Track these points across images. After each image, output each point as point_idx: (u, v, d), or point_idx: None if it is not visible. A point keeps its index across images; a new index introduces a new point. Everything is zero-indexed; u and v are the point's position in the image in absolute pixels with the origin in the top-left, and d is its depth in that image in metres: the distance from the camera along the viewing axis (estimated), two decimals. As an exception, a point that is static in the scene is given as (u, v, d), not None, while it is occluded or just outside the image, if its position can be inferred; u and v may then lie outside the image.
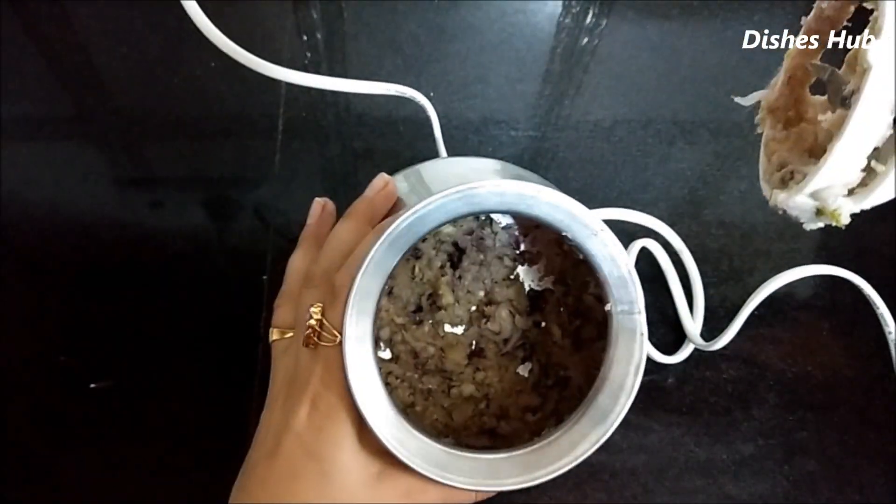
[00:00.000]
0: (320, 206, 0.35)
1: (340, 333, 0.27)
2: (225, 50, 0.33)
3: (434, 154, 0.38)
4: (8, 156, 0.43)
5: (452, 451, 0.28)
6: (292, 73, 0.33)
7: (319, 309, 0.29)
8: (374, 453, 0.28)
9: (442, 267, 0.37)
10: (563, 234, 0.29)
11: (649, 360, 0.40)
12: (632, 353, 0.29)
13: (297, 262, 0.33)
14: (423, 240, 0.36)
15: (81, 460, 0.38)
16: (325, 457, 0.27)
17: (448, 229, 0.36)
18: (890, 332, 0.40)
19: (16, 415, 0.38)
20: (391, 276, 0.36)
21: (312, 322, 0.28)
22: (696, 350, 0.41)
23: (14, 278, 0.41)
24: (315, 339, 0.28)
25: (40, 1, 0.47)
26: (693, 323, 0.41)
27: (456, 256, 0.37)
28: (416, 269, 0.36)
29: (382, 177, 0.33)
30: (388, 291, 0.36)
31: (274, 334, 0.31)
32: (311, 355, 0.29)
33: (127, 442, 0.38)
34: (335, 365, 0.27)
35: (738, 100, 0.29)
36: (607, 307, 0.29)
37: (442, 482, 0.27)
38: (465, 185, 0.27)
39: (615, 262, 0.29)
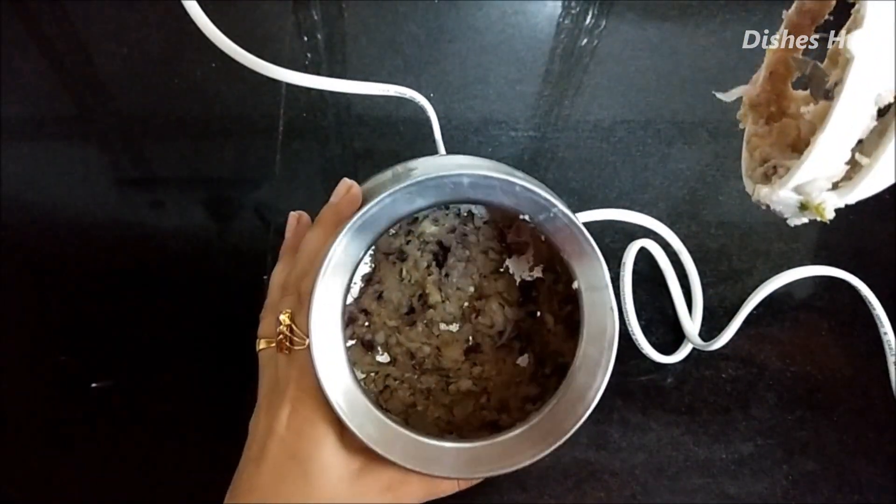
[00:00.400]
0: (295, 219, 0.36)
1: (309, 336, 0.28)
2: (225, 50, 0.33)
3: (434, 154, 0.38)
4: (8, 156, 0.43)
5: (432, 441, 0.28)
6: (290, 73, 0.33)
7: (288, 315, 0.30)
8: (356, 451, 0.28)
9: (428, 267, 0.37)
10: (522, 216, 0.29)
11: (649, 360, 0.40)
12: (604, 329, 0.29)
13: (278, 275, 0.34)
14: (408, 242, 0.37)
15: (81, 460, 0.38)
16: (307, 458, 0.28)
17: (431, 229, 0.37)
18: (885, 333, 0.40)
19: (16, 415, 0.38)
20: (379, 281, 0.36)
21: (282, 328, 0.30)
22: (695, 350, 0.41)
23: (14, 278, 0.41)
24: (287, 344, 0.30)
25: (40, 1, 0.47)
26: (692, 323, 0.41)
27: (441, 255, 0.38)
28: (404, 272, 0.37)
29: (345, 182, 0.33)
30: (377, 296, 0.36)
31: (260, 344, 0.32)
32: (287, 361, 0.30)
33: (127, 442, 0.38)
34: (309, 368, 0.28)
35: (719, 95, 0.29)
36: (575, 285, 0.29)
37: (421, 472, 0.27)
38: (411, 180, 0.28)
39: (575, 239, 0.29)
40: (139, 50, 0.47)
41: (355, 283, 0.36)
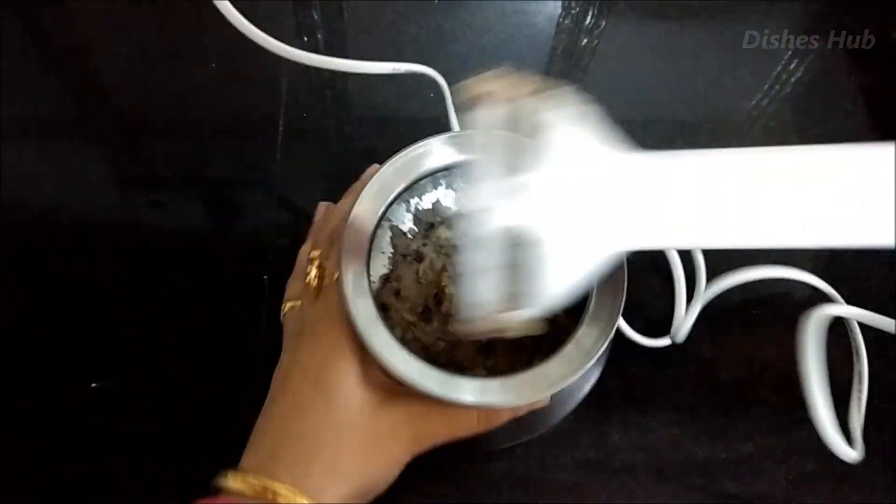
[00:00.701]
0: (324, 207, 0.38)
1: (339, 269, 0.29)
2: (241, 28, 0.33)
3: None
4: (8, 156, 0.44)
5: (453, 375, 0.29)
6: (299, 52, 0.34)
7: (318, 255, 0.32)
8: (378, 385, 0.29)
9: (443, 267, 0.37)
10: None
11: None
12: (616, 291, 0.31)
13: (305, 248, 0.35)
14: (425, 244, 0.37)
15: (81, 460, 0.38)
16: (329, 386, 0.28)
17: (446, 234, 0.38)
18: (854, 340, 0.40)
19: (16, 415, 0.38)
20: (397, 279, 0.37)
21: (313, 269, 0.31)
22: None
23: (14, 278, 0.41)
24: (317, 282, 0.31)
25: (41, 1, 0.47)
26: (684, 317, 0.40)
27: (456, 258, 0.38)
28: (420, 272, 0.37)
29: (374, 166, 0.35)
30: (395, 293, 0.37)
31: (286, 307, 0.33)
32: (313, 303, 0.31)
33: (127, 442, 0.38)
34: (336, 302, 0.29)
35: None
36: None
37: (443, 398, 0.28)
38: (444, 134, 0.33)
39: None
40: (139, 50, 0.47)
41: (373, 281, 0.36)
